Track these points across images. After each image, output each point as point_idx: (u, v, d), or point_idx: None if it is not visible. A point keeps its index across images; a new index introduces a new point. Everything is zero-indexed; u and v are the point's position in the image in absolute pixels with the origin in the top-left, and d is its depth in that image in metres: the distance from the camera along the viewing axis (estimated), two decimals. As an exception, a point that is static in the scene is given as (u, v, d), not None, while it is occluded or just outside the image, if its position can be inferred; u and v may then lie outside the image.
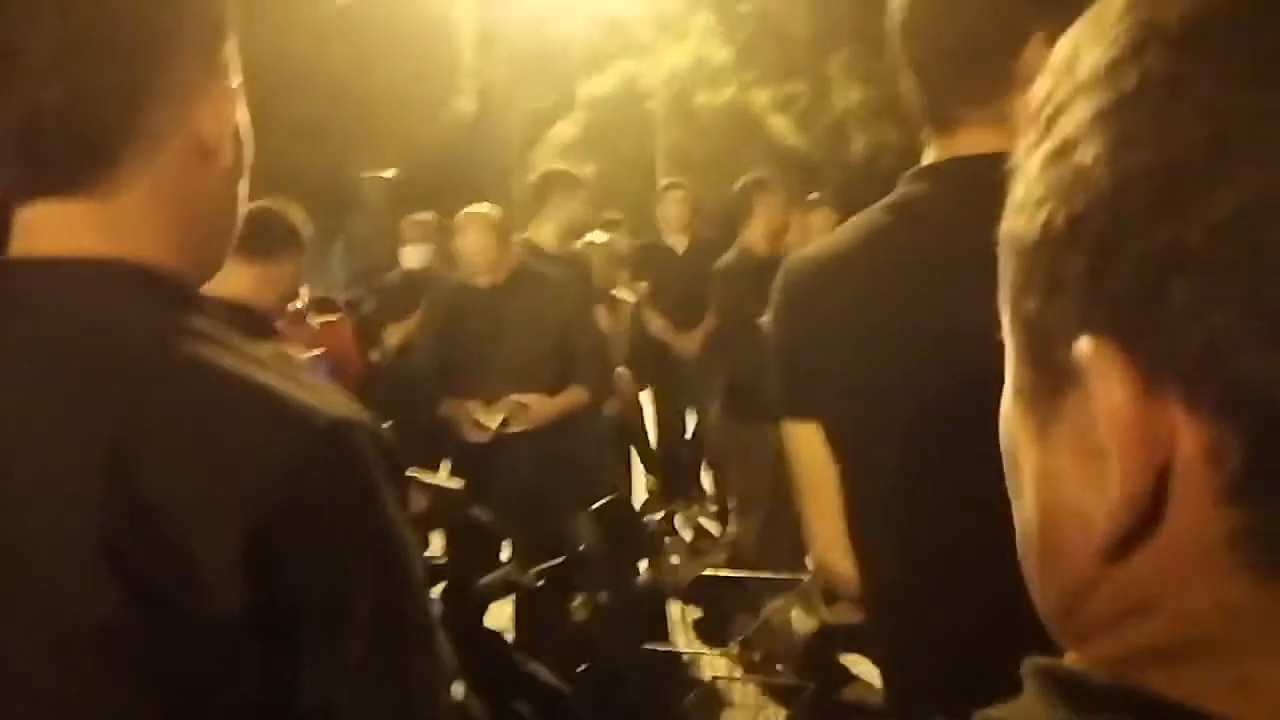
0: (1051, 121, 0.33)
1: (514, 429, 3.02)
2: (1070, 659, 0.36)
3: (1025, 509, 0.37)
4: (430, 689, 0.72)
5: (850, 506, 1.08)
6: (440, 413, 3.05)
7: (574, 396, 3.23)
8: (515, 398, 3.01)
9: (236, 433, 0.65)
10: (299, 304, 3.48)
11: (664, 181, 5.26)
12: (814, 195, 4.81)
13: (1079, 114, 0.32)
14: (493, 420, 2.99)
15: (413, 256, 4.70)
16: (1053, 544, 0.35)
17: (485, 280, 3.10)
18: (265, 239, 2.20)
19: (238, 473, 0.64)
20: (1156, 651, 0.32)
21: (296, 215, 2.50)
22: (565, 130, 19.41)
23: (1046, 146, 0.33)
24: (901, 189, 1.07)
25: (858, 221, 1.10)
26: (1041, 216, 0.32)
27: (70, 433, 0.64)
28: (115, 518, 0.62)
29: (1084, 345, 0.31)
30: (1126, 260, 0.29)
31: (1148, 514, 0.30)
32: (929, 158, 1.06)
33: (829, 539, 1.12)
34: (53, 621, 0.63)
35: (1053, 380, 0.34)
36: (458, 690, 0.79)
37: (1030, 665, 0.36)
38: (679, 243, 4.93)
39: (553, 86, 20.55)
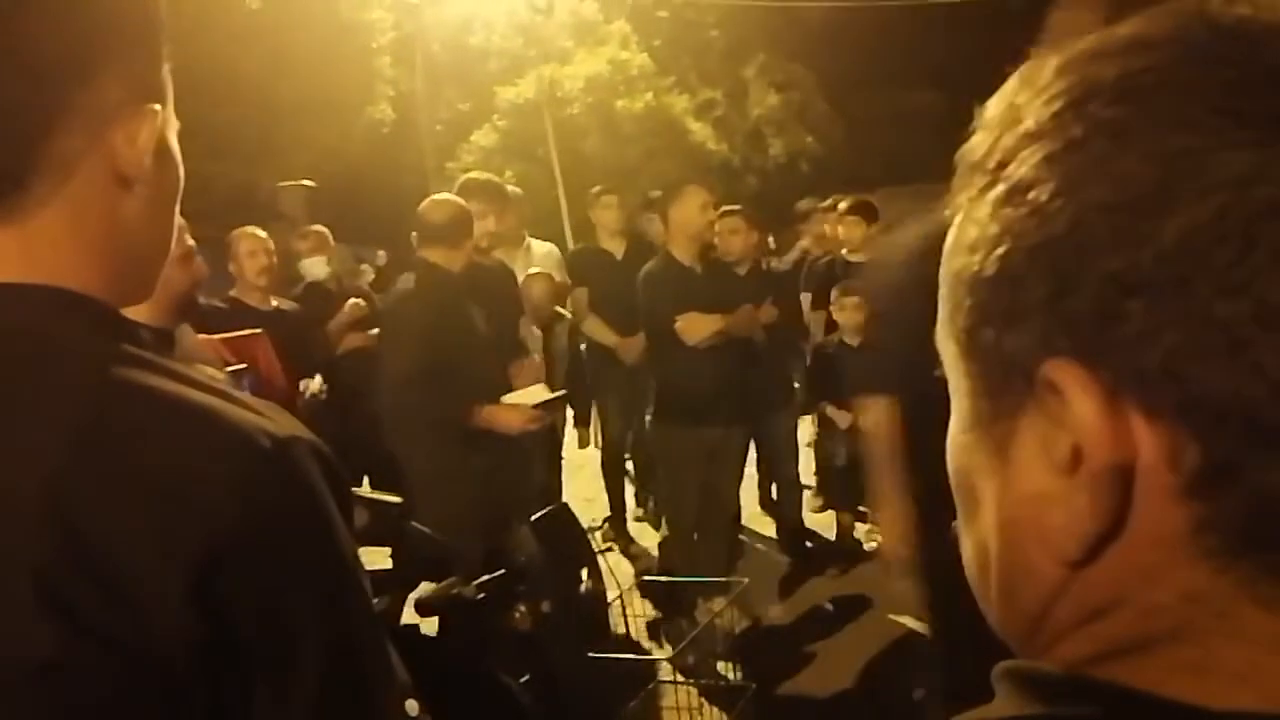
0: (1001, 168, 0.37)
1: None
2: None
3: (982, 533, 0.40)
4: (386, 714, 0.71)
5: (908, 479, 1.22)
6: (476, 418, 2.99)
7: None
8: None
9: (178, 460, 0.63)
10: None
11: (595, 188, 5.23)
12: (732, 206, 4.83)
13: (1030, 160, 0.35)
14: (541, 396, 3.06)
15: (314, 268, 4.65)
16: (1017, 561, 0.38)
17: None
18: None
19: (181, 502, 0.62)
20: (1122, 646, 0.35)
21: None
22: (484, 138, 19.28)
23: (998, 190, 0.36)
24: None
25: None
26: (999, 252, 0.36)
27: (0, 466, 0.61)
28: (52, 553, 0.59)
29: (1052, 366, 0.34)
30: (1086, 286, 0.33)
31: (1115, 518, 0.33)
32: None
33: (888, 512, 1.27)
34: None
35: (1010, 404, 0.37)
36: (412, 708, 0.78)
37: (1000, 669, 0.38)
38: (616, 247, 4.94)
39: (471, 94, 20.40)
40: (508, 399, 3.05)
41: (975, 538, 0.41)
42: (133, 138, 0.69)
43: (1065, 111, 0.35)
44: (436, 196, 3.22)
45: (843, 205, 5.15)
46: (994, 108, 0.39)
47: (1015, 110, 0.37)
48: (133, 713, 0.61)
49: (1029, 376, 0.35)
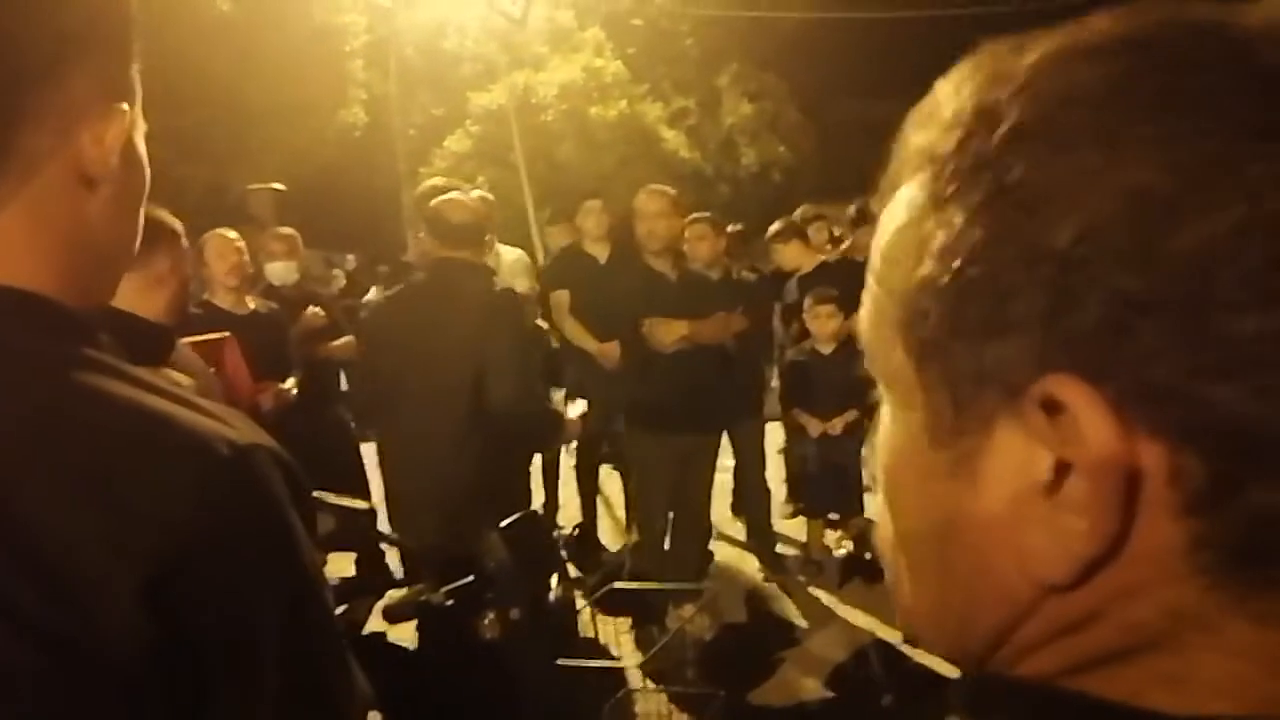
0: (981, 169, 0.34)
1: None
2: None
3: (924, 552, 0.38)
4: None
5: None
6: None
7: None
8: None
9: (133, 466, 0.61)
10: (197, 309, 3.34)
11: (579, 197, 5.28)
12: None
13: (1021, 163, 0.33)
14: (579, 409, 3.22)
15: (279, 272, 4.56)
16: (982, 583, 0.36)
17: None
18: None
19: (135, 508, 0.60)
20: (1094, 659, 0.34)
21: (162, 214, 2.42)
22: (457, 143, 19.22)
23: (979, 194, 0.34)
24: None
25: None
26: (983, 260, 0.33)
27: None
28: None
29: (1055, 383, 0.32)
30: (1091, 301, 0.31)
31: (1116, 540, 0.32)
32: None
33: None
34: None
35: (980, 418, 0.34)
36: (374, 719, 0.77)
37: (962, 683, 0.38)
38: (600, 252, 4.94)
39: (444, 99, 20.33)
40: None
41: (914, 555, 0.39)
42: (100, 138, 0.67)
43: (1058, 112, 0.33)
44: (452, 195, 3.11)
45: (771, 230, 5.37)
46: (956, 101, 0.36)
47: (995, 108, 0.35)
48: (83, 719, 0.59)
49: (1012, 391, 0.33)
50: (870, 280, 0.40)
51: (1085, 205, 0.31)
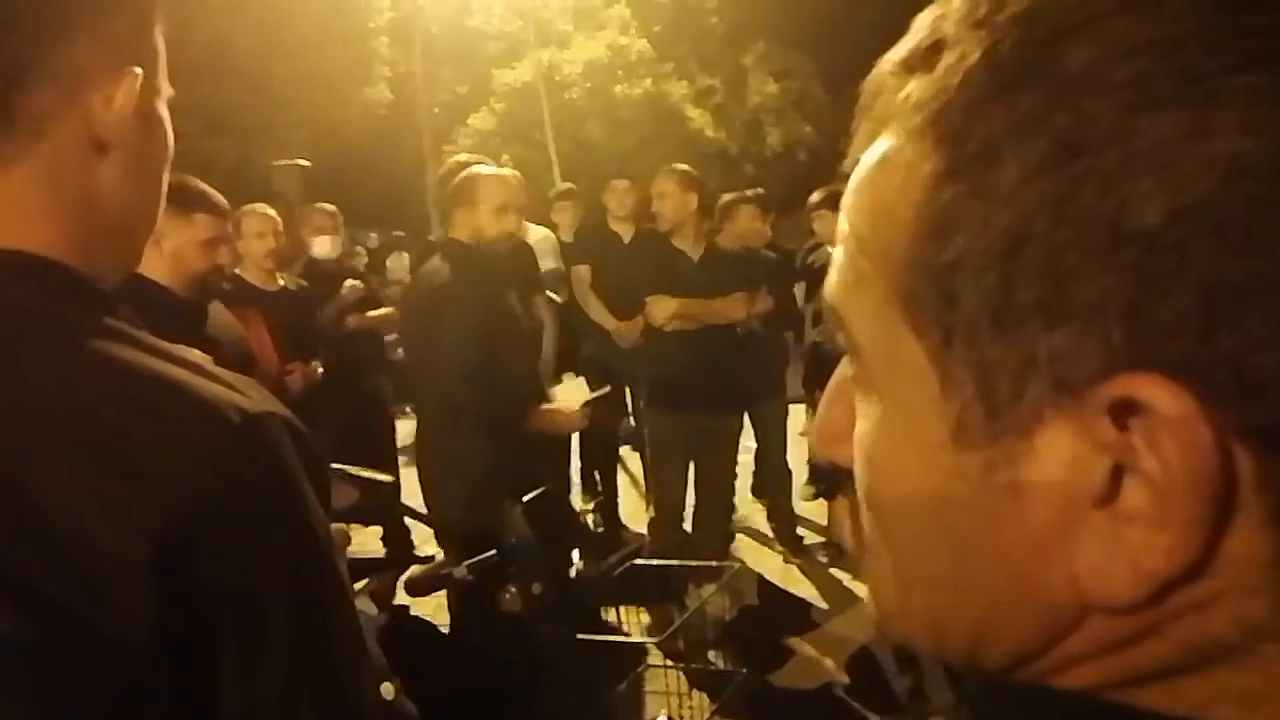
0: (1026, 131, 0.29)
1: None
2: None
3: (948, 561, 0.34)
4: (358, 695, 0.69)
5: None
6: (531, 421, 3.01)
7: None
8: None
9: (144, 433, 0.60)
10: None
11: (602, 177, 5.33)
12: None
13: (1088, 126, 0.28)
14: (584, 395, 3.21)
15: (325, 247, 4.62)
16: (1015, 601, 0.33)
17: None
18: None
19: (146, 476, 0.59)
20: (1148, 672, 0.31)
21: (204, 187, 2.42)
22: (482, 121, 19.19)
23: (1028, 162, 0.29)
24: None
25: None
26: (1042, 238, 0.28)
27: None
28: (3, 529, 0.57)
29: (1137, 382, 0.27)
30: (1184, 289, 0.27)
31: (1203, 555, 0.28)
32: None
33: None
34: None
35: (1021, 418, 0.30)
36: (388, 691, 0.77)
37: (988, 689, 0.35)
38: (625, 230, 4.99)
39: (469, 76, 20.30)
40: (556, 397, 3.11)
41: (914, 559, 0.35)
42: (110, 100, 0.66)
43: (1135, 60, 0.27)
44: (484, 169, 3.09)
45: (813, 198, 5.01)
46: (981, 38, 0.30)
47: (1045, 49, 0.29)
48: (90, 698, 0.58)
49: (1067, 387, 0.29)
50: (851, 245, 0.35)
51: (1178, 176, 0.26)
